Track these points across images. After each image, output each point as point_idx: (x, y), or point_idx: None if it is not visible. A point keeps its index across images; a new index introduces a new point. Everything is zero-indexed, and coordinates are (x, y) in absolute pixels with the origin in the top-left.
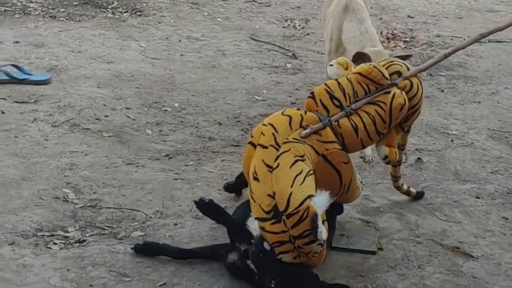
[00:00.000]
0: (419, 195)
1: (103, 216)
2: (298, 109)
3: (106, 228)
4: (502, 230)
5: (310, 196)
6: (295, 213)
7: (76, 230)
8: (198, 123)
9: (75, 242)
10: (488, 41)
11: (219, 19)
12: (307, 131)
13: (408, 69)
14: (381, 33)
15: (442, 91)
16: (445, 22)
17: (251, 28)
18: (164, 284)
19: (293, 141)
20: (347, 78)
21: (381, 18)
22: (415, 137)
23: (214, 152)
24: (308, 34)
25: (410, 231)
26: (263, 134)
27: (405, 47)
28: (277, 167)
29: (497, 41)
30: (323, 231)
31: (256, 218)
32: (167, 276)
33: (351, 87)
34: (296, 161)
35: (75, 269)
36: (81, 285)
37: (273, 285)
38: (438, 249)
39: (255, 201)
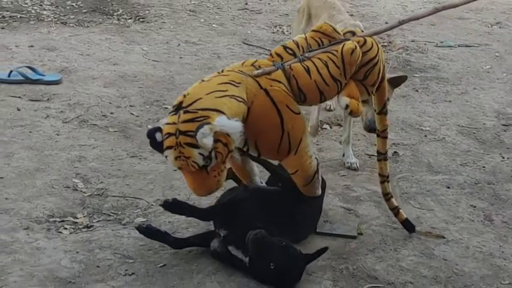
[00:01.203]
0: (407, 224)
1: (109, 203)
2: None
3: (112, 214)
4: (470, 216)
5: (218, 111)
6: (192, 112)
7: (84, 216)
8: None
9: (84, 227)
10: (458, 46)
11: (214, 25)
12: (259, 71)
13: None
14: None
15: (417, 91)
16: (419, 28)
17: (243, 33)
18: (164, 265)
19: (237, 72)
20: (303, 36)
21: None
22: (392, 132)
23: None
24: None
25: (388, 218)
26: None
27: (383, 51)
28: (207, 81)
29: (466, 46)
30: (207, 138)
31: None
32: (167, 258)
33: (305, 41)
34: (228, 83)
35: (84, 252)
36: (89, 266)
37: (272, 267)
38: (412, 234)
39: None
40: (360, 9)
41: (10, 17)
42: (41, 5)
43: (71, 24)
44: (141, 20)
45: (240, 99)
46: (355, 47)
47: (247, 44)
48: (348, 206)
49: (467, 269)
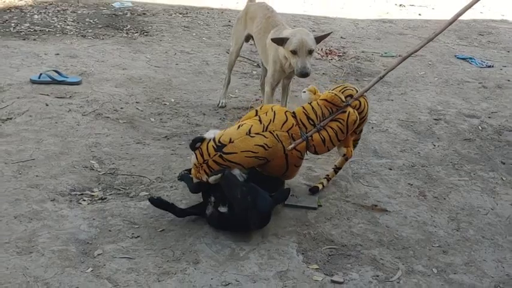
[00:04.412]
0: (312, 189)
1: (119, 180)
2: (294, 116)
3: (121, 189)
4: (408, 192)
5: (241, 165)
6: (224, 160)
7: (99, 191)
8: (188, 114)
9: (99, 199)
10: (398, 55)
11: (204, 38)
12: (292, 146)
13: (357, 91)
14: (321, 49)
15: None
16: (368, 42)
17: (227, 45)
18: (163, 230)
19: (274, 136)
20: (317, 103)
21: None
22: None
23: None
24: None
25: (342, 193)
26: (266, 114)
27: (339, 60)
28: (252, 136)
29: None
30: (213, 179)
31: (214, 139)
32: (165, 224)
33: (320, 110)
34: (261, 146)
35: (99, 219)
36: (103, 230)
37: (239, 196)
38: (361, 206)
39: (224, 132)
40: (320, 26)
41: (40, 31)
42: (65, 22)
43: (89, 37)
44: (145, 33)
45: (261, 159)
46: (356, 118)
47: None
48: (310, 183)
49: (405, 234)
